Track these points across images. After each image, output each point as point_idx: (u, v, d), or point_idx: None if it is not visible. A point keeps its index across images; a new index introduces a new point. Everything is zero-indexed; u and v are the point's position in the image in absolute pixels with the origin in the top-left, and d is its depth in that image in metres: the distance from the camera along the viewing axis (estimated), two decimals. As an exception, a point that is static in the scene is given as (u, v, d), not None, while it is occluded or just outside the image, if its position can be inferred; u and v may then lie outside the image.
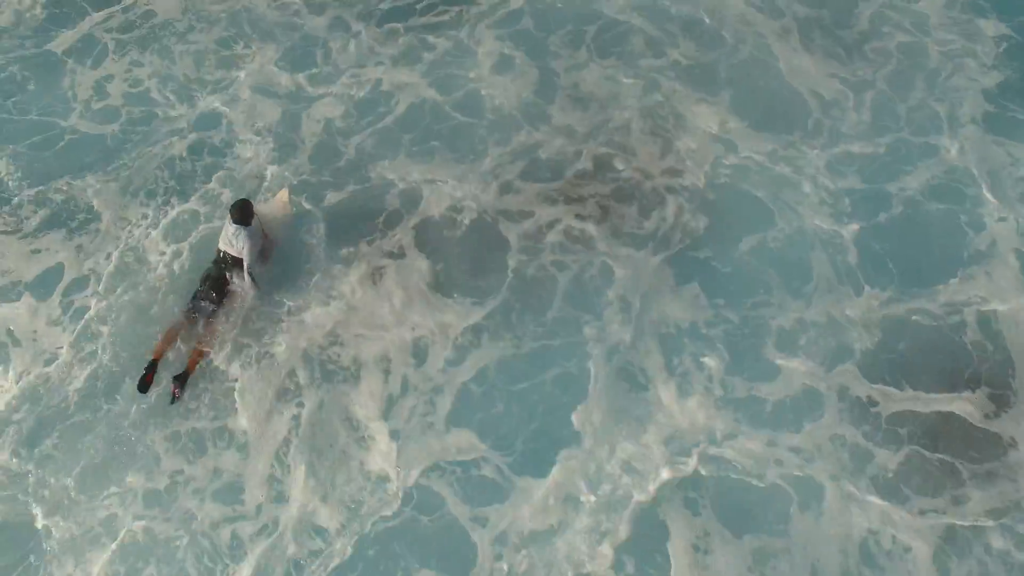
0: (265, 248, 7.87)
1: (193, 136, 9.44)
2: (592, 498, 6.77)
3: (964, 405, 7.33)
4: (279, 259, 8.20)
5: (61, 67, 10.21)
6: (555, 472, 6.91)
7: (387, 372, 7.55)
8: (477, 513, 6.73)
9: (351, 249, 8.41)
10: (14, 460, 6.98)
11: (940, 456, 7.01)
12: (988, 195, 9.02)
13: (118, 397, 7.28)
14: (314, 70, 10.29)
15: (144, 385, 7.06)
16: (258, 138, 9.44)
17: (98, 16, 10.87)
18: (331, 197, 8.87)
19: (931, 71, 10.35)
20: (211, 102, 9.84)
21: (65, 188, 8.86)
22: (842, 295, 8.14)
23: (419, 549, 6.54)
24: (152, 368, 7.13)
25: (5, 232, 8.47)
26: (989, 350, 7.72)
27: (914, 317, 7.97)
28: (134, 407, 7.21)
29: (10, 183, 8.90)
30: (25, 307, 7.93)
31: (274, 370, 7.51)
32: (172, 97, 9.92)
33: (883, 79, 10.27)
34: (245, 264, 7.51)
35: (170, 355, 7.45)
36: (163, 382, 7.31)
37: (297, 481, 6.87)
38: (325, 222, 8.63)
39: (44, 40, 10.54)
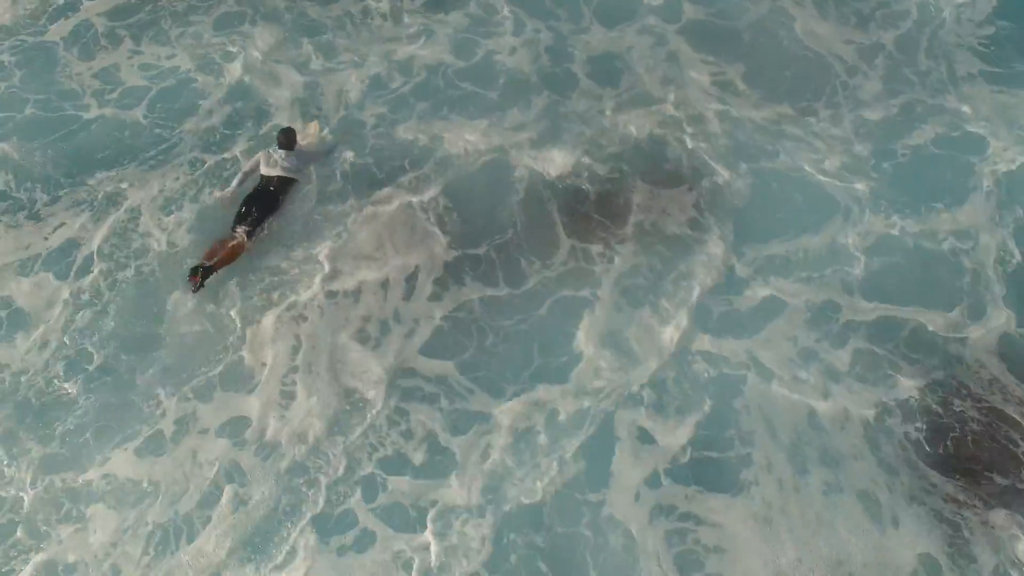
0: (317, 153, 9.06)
1: (211, 114, 9.72)
2: (569, 413, 7.31)
3: (933, 317, 7.95)
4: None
5: (65, 58, 10.44)
6: (537, 388, 7.47)
7: (384, 302, 8.01)
8: (459, 425, 7.22)
9: (367, 191, 8.91)
10: (21, 428, 7.20)
11: (889, 355, 7.71)
12: (992, 142, 9.52)
13: (125, 364, 7.63)
14: (327, 45, 10.63)
15: (194, 285, 7.81)
16: (275, 112, 9.76)
17: (97, 3, 11.17)
18: (352, 147, 9.35)
19: (938, 30, 10.85)
20: (225, 81, 10.11)
21: (82, 174, 9.06)
22: (841, 226, 8.69)
23: (400, 462, 7.04)
24: (197, 272, 7.87)
25: (30, 220, 8.67)
26: (970, 275, 8.31)
27: (906, 245, 8.55)
28: (151, 369, 7.57)
29: (29, 178, 9.03)
30: (40, 282, 8.16)
31: (281, 299, 8.01)
32: (189, 77, 10.17)
33: (893, 40, 10.77)
34: (317, 160, 8.85)
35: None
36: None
37: (299, 404, 7.32)
38: (342, 166, 9.13)
39: (42, 32, 10.80)
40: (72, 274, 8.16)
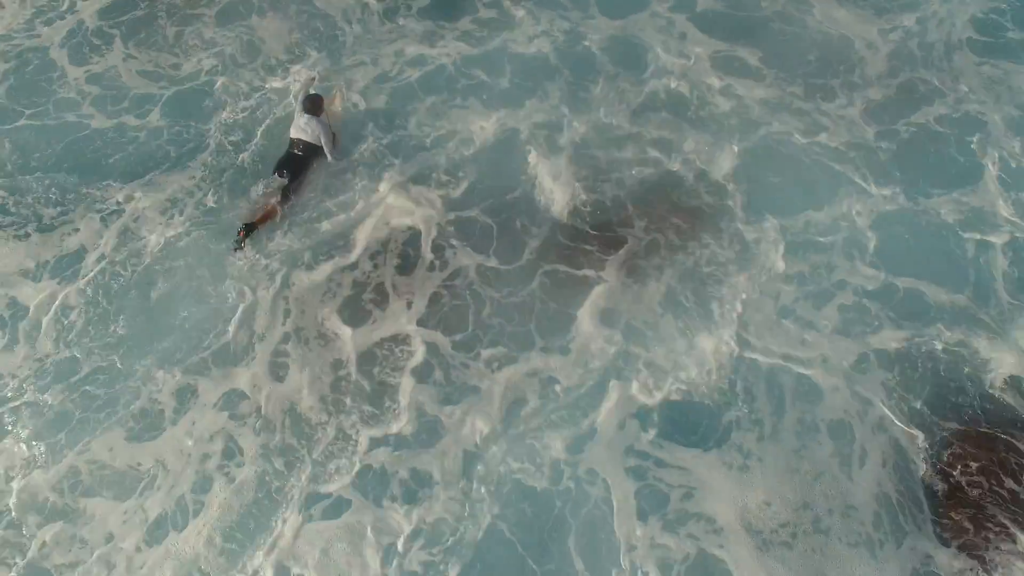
0: (335, 134, 9.33)
1: (219, 116, 9.72)
2: (559, 383, 7.57)
3: (934, 290, 8.21)
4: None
5: (61, 64, 10.37)
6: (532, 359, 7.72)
7: (382, 275, 8.28)
8: (450, 399, 7.44)
9: (377, 172, 9.18)
10: (18, 428, 7.29)
11: (875, 312, 8.09)
12: (996, 123, 9.81)
13: (123, 358, 7.73)
14: (337, 37, 10.74)
15: (238, 242, 8.39)
16: (285, 110, 9.79)
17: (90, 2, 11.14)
18: (373, 132, 9.60)
19: (955, 12, 11.21)
20: (231, 81, 10.12)
21: (85, 182, 9.05)
22: (844, 201, 8.96)
23: (387, 433, 7.26)
24: (241, 229, 8.49)
25: (39, 232, 8.66)
26: (971, 250, 8.59)
27: (907, 219, 8.81)
28: (149, 359, 7.70)
29: (32, 189, 9.00)
30: (45, 289, 8.19)
31: (279, 275, 8.27)
32: (196, 79, 10.20)
33: (912, 22, 11.14)
34: (324, 143, 9.01)
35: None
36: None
37: (291, 377, 7.57)
38: (355, 148, 9.42)
39: (37, 39, 10.72)
40: (77, 279, 8.20)
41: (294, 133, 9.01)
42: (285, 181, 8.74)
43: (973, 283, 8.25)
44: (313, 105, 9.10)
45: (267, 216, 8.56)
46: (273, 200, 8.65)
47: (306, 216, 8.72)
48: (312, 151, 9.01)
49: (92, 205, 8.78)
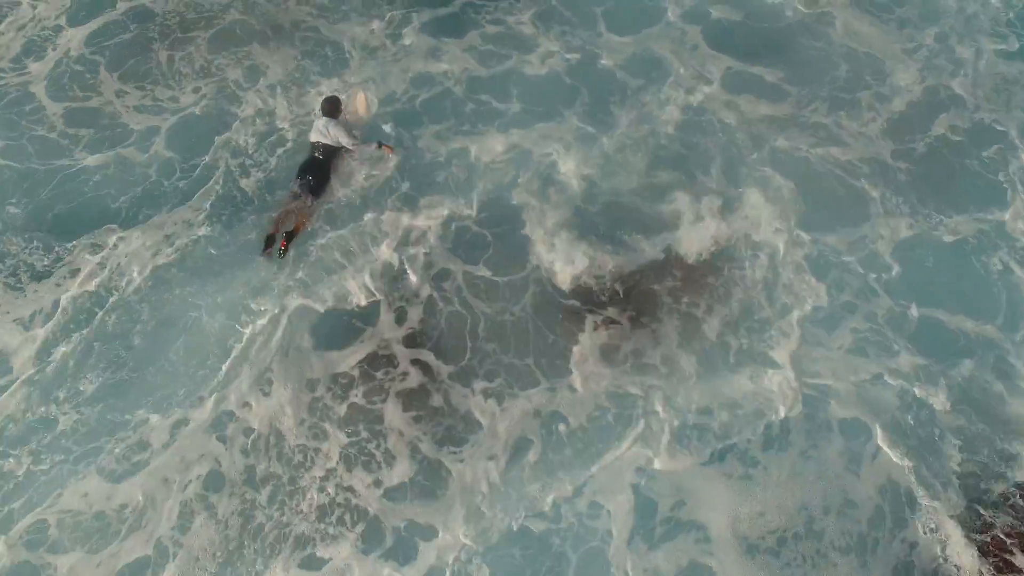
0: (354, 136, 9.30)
1: (219, 149, 9.42)
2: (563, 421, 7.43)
3: (951, 317, 8.14)
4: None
5: (48, 103, 9.94)
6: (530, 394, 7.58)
7: (371, 294, 8.18)
8: (449, 438, 7.24)
9: (388, 191, 9.08)
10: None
11: (884, 335, 8.06)
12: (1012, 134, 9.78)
13: (111, 395, 7.54)
14: (340, 61, 10.49)
15: (280, 251, 8.48)
16: (291, 137, 9.56)
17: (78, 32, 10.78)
18: (375, 156, 9.41)
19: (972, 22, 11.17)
20: (233, 108, 9.84)
21: (77, 224, 8.73)
22: (868, 223, 8.85)
23: (389, 480, 7.01)
24: (271, 240, 8.52)
25: (33, 280, 8.34)
26: (1002, 274, 8.52)
27: (927, 240, 8.71)
28: (138, 395, 7.52)
29: (25, 234, 8.70)
30: (34, 336, 7.93)
31: (268, 300, 8.17)
32: (206, 102, 9.92)
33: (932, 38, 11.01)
34: (345, 143, 9.02)
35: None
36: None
37: (284, 401, 7.42)
38: (366, 164, 9.28)
39: (28, 75, 10.32)
40: (69, 318, 7.97)
41: (313, 137, 9.08)
42: (307, 187, 8.72)
43: (1004, 311, 8.15)
44: (331, 107, 9.22)
45: (299, 225, 8.59)
46: (300, 207, 8.64)
47: (307, 236, 8.56)
48: (332, 153, 9.02)
49: (88, 246, 8.48)
